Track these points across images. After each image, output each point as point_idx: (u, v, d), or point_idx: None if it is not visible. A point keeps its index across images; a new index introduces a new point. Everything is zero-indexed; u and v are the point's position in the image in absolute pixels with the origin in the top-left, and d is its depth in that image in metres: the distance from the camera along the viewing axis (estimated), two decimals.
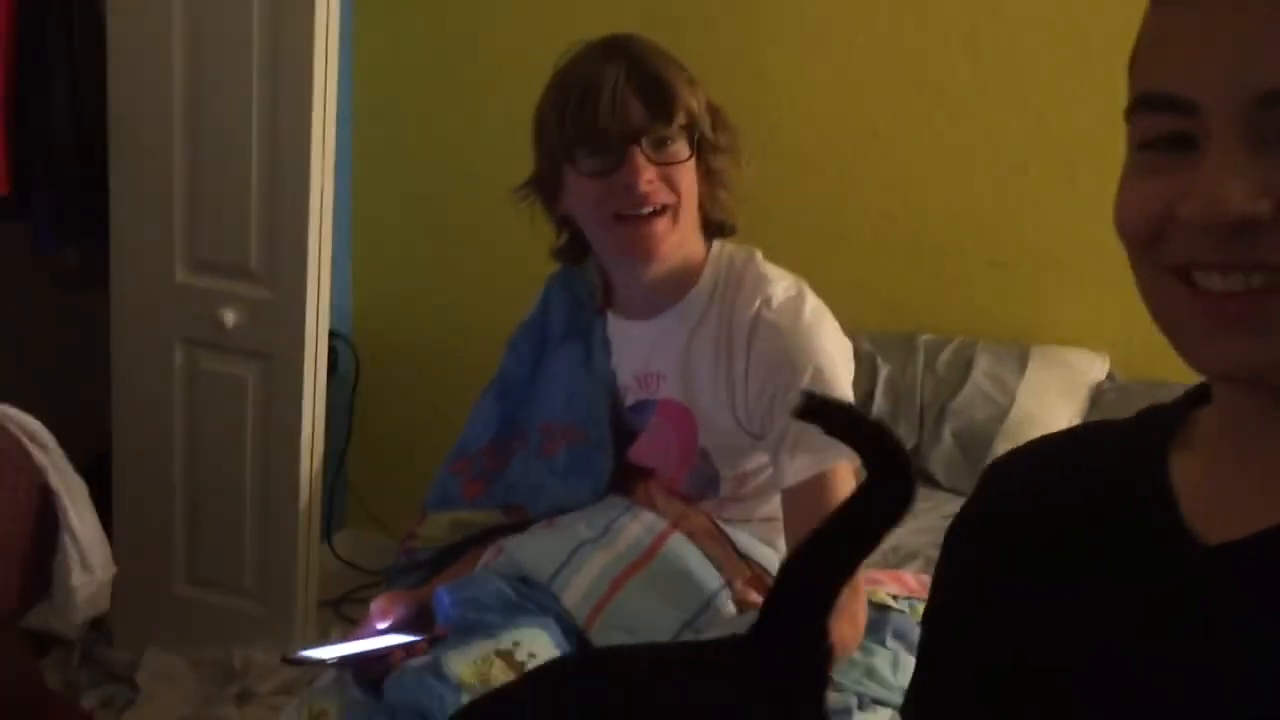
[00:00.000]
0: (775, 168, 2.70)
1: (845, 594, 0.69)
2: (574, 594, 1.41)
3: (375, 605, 1.48)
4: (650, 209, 1.40)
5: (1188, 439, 0.68)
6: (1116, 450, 0.72)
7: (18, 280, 2.75)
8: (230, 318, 2.40)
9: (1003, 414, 2.38)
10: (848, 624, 1.34)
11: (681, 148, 1.41)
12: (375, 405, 3.10)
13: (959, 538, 0.78)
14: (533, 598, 1.42)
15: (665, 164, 1.40)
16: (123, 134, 2.37)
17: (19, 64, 2.40)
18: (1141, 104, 0.62)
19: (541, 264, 1.67)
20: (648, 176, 1.38)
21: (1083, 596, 0.67)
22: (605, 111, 1.37)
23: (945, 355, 2.52)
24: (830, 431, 0.68)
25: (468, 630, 1.36)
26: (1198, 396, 0.70)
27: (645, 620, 1.40)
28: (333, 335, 2.73)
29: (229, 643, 2.54)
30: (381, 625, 1.45)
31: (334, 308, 2.54)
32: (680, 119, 1.40)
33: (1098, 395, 2.46)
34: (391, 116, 2.99)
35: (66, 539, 1.79)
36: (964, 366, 2.48)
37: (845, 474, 1.38)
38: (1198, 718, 0.60)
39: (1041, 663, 0.68)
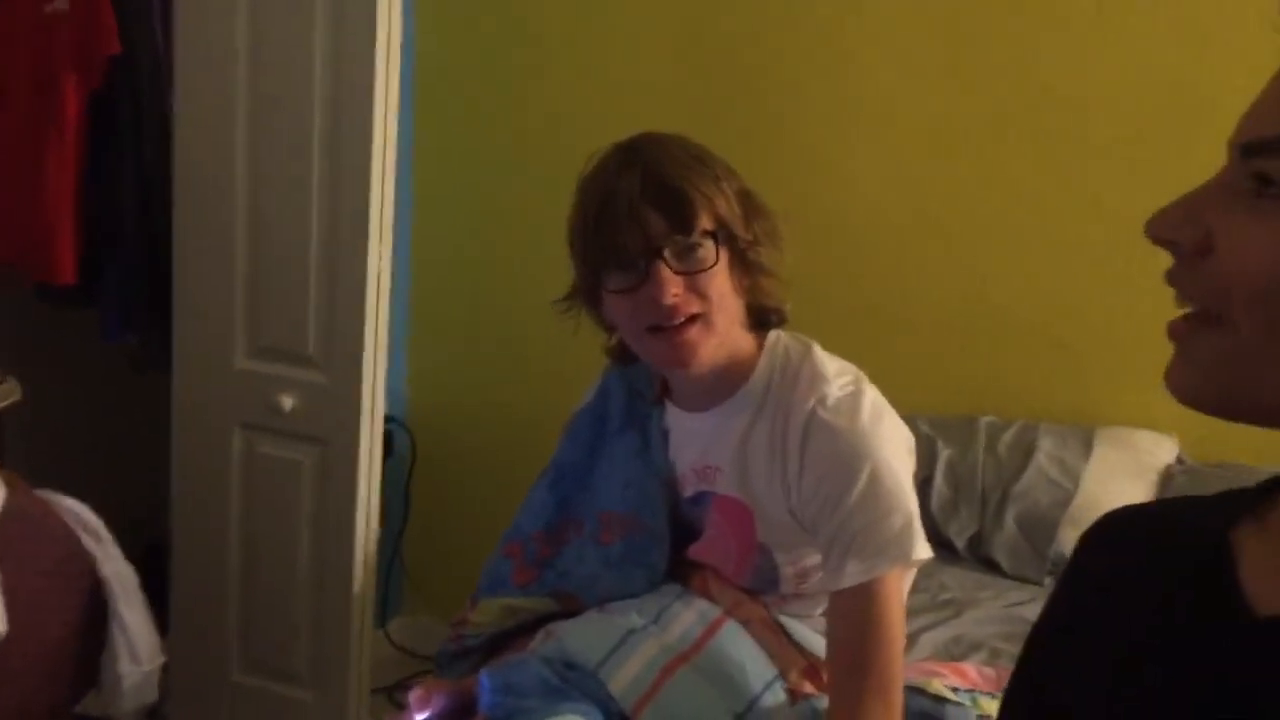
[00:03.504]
0: (831, 250, 2.68)
1: None
2: (621, 681, 1.38)
3: (413, 695, 1.45)
4: (681, 319, 1.37)
5: (1263, 518, 0.68)
6: (1191, 523, 0.72)
7: (84, 367, 2.80)
8: (288, 403, 2.42)
9: (1068, 499, 2.31)
10: None
11: (708, 253, 1.36)
12: (430, 490, 3.10)
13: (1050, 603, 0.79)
14: (578, 683, 1.39)
15: (691, 273, 1.36)
16: (186, 223, 2.42)
17: (88, 153, 2.46)
18: None
19: (600, 350, 1.65)
20: (673, 289, 1.35)
21: (1139, 665, 0.67)
22: (624, 228, 1.34)
23: (1007, 438, 2.46)
24: None
25: (506, 717, 1.33)
26: None
27: (693, 711, 1.37)
28: (388, 420, 2.73)
29: None
30: (419, 716, 1.43)
31: (390, 392, 2.54)
32: (703, 224, 1.36)
33: (1167, 479, 2.38)
34: (450, 200, 3.03)
35: (115, 629, 1.78)
36: (1027, 450, 2.42)
37: (894, 581, 1.34)
38: None
39: None
